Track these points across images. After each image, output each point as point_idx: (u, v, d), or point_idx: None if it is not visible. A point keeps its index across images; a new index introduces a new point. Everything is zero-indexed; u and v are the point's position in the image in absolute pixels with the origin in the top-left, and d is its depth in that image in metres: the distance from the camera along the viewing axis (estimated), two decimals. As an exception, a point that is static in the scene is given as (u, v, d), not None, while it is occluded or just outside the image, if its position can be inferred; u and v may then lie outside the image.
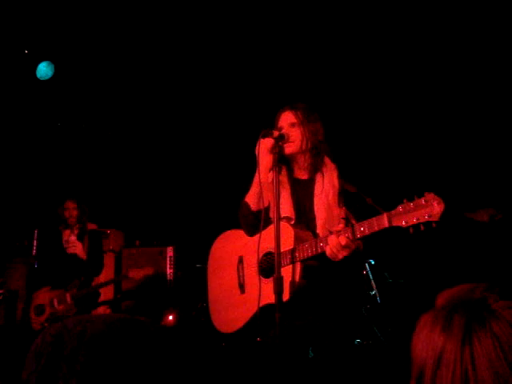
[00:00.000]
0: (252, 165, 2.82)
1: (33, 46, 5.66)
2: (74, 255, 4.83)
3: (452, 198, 2.50)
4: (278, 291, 2.38)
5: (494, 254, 4.78)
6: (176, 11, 5.25)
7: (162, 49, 5.65)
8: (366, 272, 5.36)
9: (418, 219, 2.18)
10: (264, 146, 2.76)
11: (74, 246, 4.83)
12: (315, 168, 2.84)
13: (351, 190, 2.75)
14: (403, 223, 2.23)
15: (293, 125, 2.84)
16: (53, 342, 1.04)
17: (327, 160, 2.87)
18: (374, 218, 2.34)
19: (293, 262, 2.58)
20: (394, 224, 2.26)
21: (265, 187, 2.82)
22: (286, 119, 2.87)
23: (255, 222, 2.83)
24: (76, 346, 1.01)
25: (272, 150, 2.73)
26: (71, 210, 4.94)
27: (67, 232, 4.99)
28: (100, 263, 4.98)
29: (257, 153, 2.79)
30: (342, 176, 2.81)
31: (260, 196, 2.84)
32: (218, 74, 5.80)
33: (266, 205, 2.83)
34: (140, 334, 1.08)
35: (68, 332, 1.04)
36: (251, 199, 2.87)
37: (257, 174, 2.82)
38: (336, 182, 2.79)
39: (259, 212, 2.83)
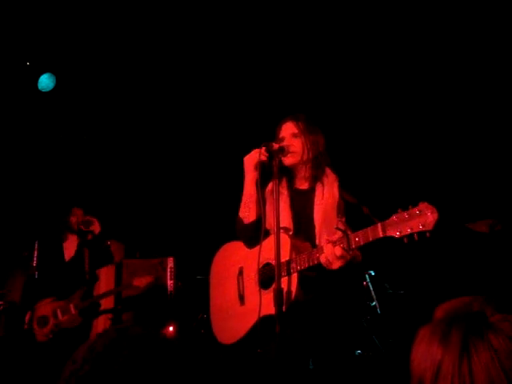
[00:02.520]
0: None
1: (34, 57, 5.69)
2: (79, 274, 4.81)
3: (448, 206, 2.50)
4: (279, 302, 2.39)
5: (493, 265, 4.78)
6: (172, 28, 5.32)
7: (163, 61, 5.68)
8: (367, 283, 5.36)
9: (411, 229, 2.18)
10: (249, 162, 2.85)
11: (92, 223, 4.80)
12: (315, 178, 2.86)
13: (351, 201, 2.76)
14: (397, 233, 2.23)
15: (294, 135, 2.86)
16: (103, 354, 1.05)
17: (328, 170, 2.88)
18: (368, 228, 2.34)
19: (290, 273, 2.59)
20: (388, 234, 2.26)
21: (252, 200, 2.86)
22: (288, 129, 2.89)
23: (250, 235, 2.88)
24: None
25: (257, 166, 2.81)
26: (79, 217, 4.96)
27: (66, 244, 4.99)
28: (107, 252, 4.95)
29: (244, 164, 2.88)
30: (343, 186, 2.83)
31: (249, 209, 2.88)
32: (217, 89, 5.84)
33: (256, 217, 2.86)
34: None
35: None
36: (242, 213, 2.92)
37: (245, 188, 2.90)
38: (336, 192, 2.79)
39: (252, 224, 2.87)
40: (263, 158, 2.79)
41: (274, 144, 2.76)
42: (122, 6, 5.11)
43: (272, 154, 2.75)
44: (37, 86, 5.77)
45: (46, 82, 5.78)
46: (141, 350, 1.04)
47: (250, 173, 2.87)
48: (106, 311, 5.13)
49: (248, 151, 2.88)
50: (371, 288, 5.38)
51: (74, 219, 4.96)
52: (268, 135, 2.93)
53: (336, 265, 2.44)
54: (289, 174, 2.93)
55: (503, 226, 4.71)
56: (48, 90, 5.80)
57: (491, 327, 1.08)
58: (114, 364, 1.01)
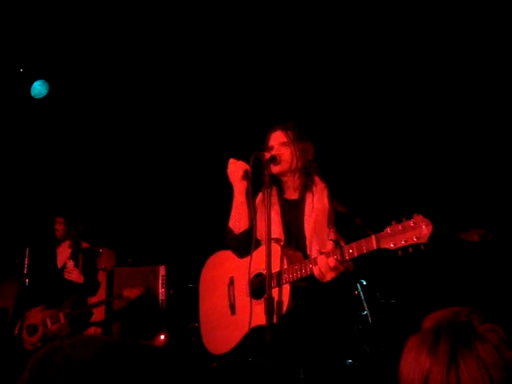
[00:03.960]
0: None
1: (28, 64, 5.69)
2: (71, 282, 4.81)
3: (442, 219, 2.51)
4: (269, 312, 2.39)
5: (484, 274, 4.79)
6: (161, 38, 5.35)
7: (152, 71, 5.70)
8: (358, 292, 5.36)
9: (406, 241, 2.17)
10: (233, 174, 2.86)
11: (70, 272, 4.80)
12: (305, 187, 2.86)
13: (341, 210, 2.76)
14: (391, 245, 2.22)
15: (284, 144, 2.86)
16: (42, 360, 1.04)
17: (317, 179, 2.88)
18: (362, 240, 2.33)
19: (282, 284, 2.58)
20: (382, 246, 2.25)
21: (242, 210, 2.87)
22: (277, 138, 2.90)
23: (240, 246, 2.87)
24: (60, 370, 1.01)
25: (244, 177, 2.82)
26: (58, 225, 4.99)
27: (60, 249, 4.99)
28: (96, 283, 4.98)
29: (229, 177, 2.88)
30: (332, 196, 2.83)
31: (239, 219, 2.88)
32: (205, 98, 5.86)
33: (246, 227, 2.86)
34: (133, 360, 1.08)
35: (61, 353, 1.04)
36: (232, 223, 2.91)
37: (234, 198, 2.90)
38: (326, 201, 2.79)
39: (243, 235, 2.86)
40: (247, 167, 2.80)
41: (265, 153, 2.77)
42: (114, 14, 5.12)
43: (262, 164, 2.74)
44: (30, 93, 5.76)
45: (39, 88, 5.77)
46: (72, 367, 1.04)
47: (237, 183, 2.87)
48: (96, 322, 5.10)
49: (239, 158, 2.89)
50: (362, 297, 5.39)
51: (54, 228, 4.98)
52: (257, 143, 2.94)
53: (329, 276, 2.44)
54: (278, 183, 2.94)
55: (494, 236, 4.73)
56: (41, 96, 5.80)
57: (479, 337, 1.09)
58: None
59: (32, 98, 5.77)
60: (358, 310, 5.31)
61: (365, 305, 5.34)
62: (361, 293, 5.38)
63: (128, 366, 1.05)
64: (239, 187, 2.87)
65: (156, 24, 5.24)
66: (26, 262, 4.88)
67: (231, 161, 2.88)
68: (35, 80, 5.77)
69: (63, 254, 5.00)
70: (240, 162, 2.85)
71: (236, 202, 2.90)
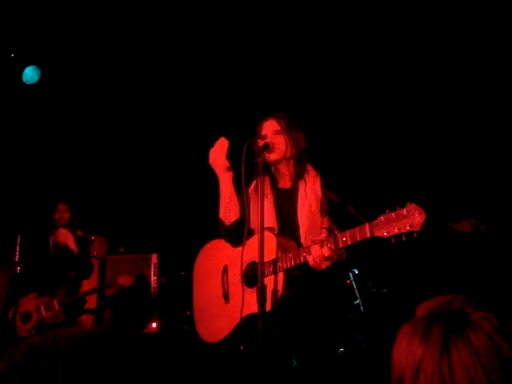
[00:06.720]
0: (239, 173, 2.84)
1: (19, 49, 5.63)
2: (64, 251, 4.78)
3: (435, 208, 2.51)
4: (261, 300, 2.38)
5: (476, 264, 4.82)
6: (152, 21, 5.32)
7: (145, 55, 5.66)
8: (350, 281, 5.38)
9: (399, 229, 2.17)
10: (216, 164, 2.86)
11: (65, 236, 4.78)
12: (298, 176, 2.86)
13: (334, 199, 2.76)
14: (385, 234, 2.22)
15: (277, 132, 2.86)
16: (24, 362, 1.07)
17: (310, 168, 2.89)
18: (356, 228, 2.33)
19: (275, 272, 2.58)
20: (376, 234, 2.26)
21: (231, 201, 2.86)
22: (270, 127, 2.89)
23: (233, 236, 2.88)
24: (52, 360, 1.04)
25: (229, 168, 2.83)
26: (62, 212, 4.96)
27: (53, 237, 4.97)
28: (89, 266, 4.96)
29: (213, 167, 2.88)
30: (325, 184, 2.83)
31: (229, 210, 2.87)
32: (197, 86, 5.84)
33: (237, 217, 2.86)
34: (105, 344, 1.11)
35: (37, 349, 1.07)
36: (222, 215, 2.91)
37: (221, 190, 2.89)
38: (319, 190, 2.80)
39: (234, 225, 2.87)
40: (225, 151, 2.80)
41: (259, 141, 2.76)
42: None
43: (255, 152, 2.73)
44: (21, 79, 5.70)
45: (30, 74, 5.71)
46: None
47: (222, 174, 2.88)
48: (89, 309, 5.09)
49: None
50: (355, 286, 5.41)
51: (57, 215, 4.96)
52: (249, 133, 2.93)
53: (324, 265, 2.45)
54: (271, 172, 2.93)
55: (486, 226, 4.75)
56: (33, 82, 5.74)
57: (471, 325, 1.09)
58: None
59: (24, 83, 5.71)
60: (350, 299, 5.33)
61: (357, 294, 5.36)
62: (353, 282, 5.40)
63: (113, 352, 1.08)
64: (224, 178, 2.89)
65: (150, 10, 5.19)
66: (18, 250, 4.86)
67: (211, 151, 2.88)
68: (27, 66, 5.71)
69: (59, 241, 4.97)
70: (218, 148, 2.83)
71: (223, 193, 2.90)
